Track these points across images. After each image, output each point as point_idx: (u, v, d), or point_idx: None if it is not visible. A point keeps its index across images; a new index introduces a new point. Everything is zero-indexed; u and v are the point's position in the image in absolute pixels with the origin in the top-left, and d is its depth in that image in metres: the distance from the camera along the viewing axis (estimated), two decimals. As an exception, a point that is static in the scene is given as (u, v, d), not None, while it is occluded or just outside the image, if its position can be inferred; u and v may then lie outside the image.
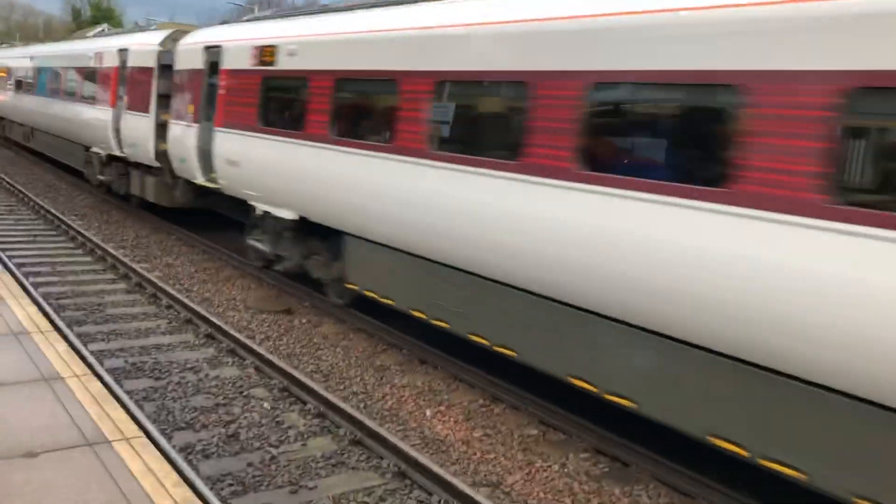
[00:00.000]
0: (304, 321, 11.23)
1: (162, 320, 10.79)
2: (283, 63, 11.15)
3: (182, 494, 4.75)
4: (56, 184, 23.34)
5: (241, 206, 12.83)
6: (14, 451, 5.13)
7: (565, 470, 7.13)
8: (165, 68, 15.45)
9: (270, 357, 9.05)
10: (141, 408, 7.57)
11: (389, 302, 9.52)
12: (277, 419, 7.77)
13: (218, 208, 15.14)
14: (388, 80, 9.03)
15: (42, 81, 24.75)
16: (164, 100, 15.39)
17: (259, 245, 12.34)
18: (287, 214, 11.15)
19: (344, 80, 9.94)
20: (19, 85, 27.98)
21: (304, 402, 8.13)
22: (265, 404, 8.11)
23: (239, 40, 12.71)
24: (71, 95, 21.42)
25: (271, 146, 11.27)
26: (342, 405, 7.75)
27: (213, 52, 13.35)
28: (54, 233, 16.34)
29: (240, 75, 12.33)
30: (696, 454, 6.74)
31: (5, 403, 5.90)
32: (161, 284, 11.97)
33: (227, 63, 12.79)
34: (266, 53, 11.56)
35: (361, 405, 8.33)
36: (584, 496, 6.68)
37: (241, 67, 12.29)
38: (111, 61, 18.18)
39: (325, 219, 10.46)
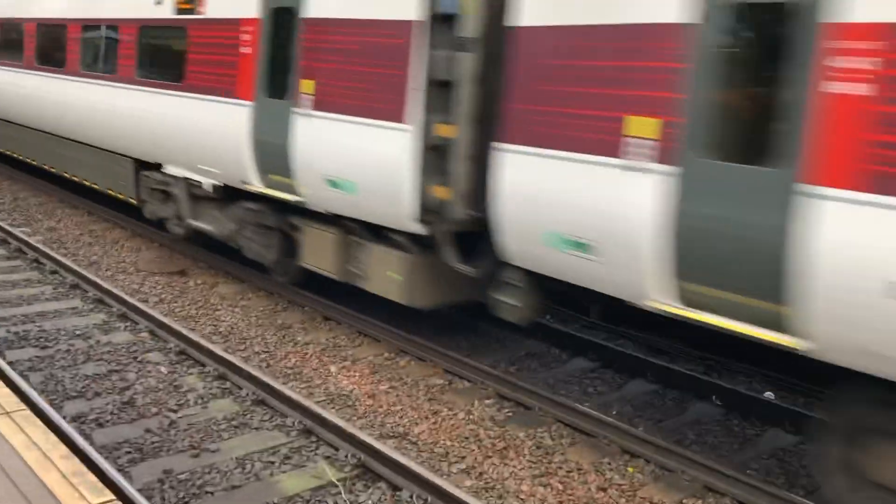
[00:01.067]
0: (199, 282, 10.85)
1: (46, 286, 10.20)
2: None
3: (70, 467, 4.51)
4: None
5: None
6: None
7: (471, 417, 7.22)
8: (443, 23, 7.37)
9: (165, 320, 8.72)
10: (26, 379, 7.16)
11: None
12: (175, 383, 7.51)
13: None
14: None
15: (43, 48, 14.90)
16: (439, 94, 7.43)
17: None
18: None
19: None
20: None
21: (204, 365, 7.88)
22: (162, 369, 7.83)
23: None
24: (111, 72, 12.46)
25: None
26: (243, 365, 7.56)
27: None
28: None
29: None
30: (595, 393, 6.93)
31: None
32: (43, 248, 11.29)
33: None
34: None
35: (264, 365, 8.16)
36: (489, 441, 6.79)
37: None
38: (238, 10, 9.77)
39: None
